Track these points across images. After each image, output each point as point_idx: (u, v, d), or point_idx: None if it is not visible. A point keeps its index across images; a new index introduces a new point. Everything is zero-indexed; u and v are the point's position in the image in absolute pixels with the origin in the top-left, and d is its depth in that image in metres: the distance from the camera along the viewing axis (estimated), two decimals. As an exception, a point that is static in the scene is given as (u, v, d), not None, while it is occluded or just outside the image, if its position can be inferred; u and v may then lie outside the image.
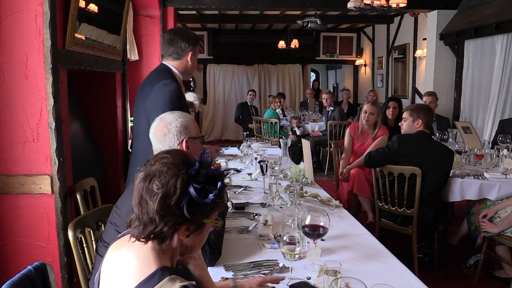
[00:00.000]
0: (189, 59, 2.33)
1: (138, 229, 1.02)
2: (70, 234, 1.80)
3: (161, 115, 1.68)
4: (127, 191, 1.69)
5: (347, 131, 4.10)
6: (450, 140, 3.72)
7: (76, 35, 2.54)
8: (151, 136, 1.65)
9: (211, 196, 1.00)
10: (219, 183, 1.02)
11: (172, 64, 2.34)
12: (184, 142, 1.61)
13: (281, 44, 9.61)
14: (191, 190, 0.98)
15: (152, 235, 1.01)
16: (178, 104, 2.14)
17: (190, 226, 1.03)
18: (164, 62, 2.37)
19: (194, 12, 7.85)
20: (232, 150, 4.34)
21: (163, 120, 1.64)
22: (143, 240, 1.02)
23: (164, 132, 1.62)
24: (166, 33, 2.40)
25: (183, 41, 2.30)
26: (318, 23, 7.15)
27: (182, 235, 1.04)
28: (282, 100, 8.04)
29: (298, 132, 6.72)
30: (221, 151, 3.80)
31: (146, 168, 1.03)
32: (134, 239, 1.03)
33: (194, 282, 1.06)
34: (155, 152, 1.64)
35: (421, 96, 5.60)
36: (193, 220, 1.02)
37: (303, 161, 2.85)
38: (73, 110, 2.93)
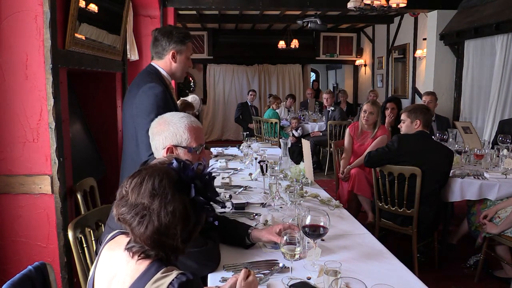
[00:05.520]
0: (171, 58, 2.19)
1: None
2: (70, 234, 1.80)
3: (164, 114, 1.63)
4: None
5: (347, 131, 4.10)
6: (450, 140, 3.72)
7: (76, 35, 2.54)
8: (149, 131, 1.60)
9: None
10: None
11: (157, 64, 2.23)
12: (167, 148, 1.54)
13: (281, 44, 9.61)
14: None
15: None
16: (164, 107, 2.00)
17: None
18: (151, 63, 2.26)
19: (194, 12, 7.85)
20: (232, 150, 4.33)
21: (160, 119, 1.60)
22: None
23: (154, 132, 1.58)
24: (152, 31, 2.28)
25: (164, 39, 2.17)
26: (318, 23, 7.15)
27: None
28: (291, 101, 8.12)
29: (296, 134, 6.73)
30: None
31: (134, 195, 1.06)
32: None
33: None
34: (153, 149, 1.61)
35: (421, 96, 5.59)
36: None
37: (303, 161, 2.85)
38: (73, 110, 2.93)
